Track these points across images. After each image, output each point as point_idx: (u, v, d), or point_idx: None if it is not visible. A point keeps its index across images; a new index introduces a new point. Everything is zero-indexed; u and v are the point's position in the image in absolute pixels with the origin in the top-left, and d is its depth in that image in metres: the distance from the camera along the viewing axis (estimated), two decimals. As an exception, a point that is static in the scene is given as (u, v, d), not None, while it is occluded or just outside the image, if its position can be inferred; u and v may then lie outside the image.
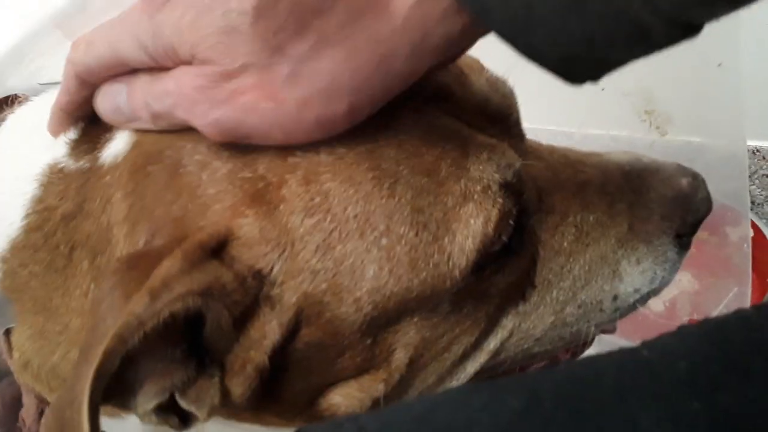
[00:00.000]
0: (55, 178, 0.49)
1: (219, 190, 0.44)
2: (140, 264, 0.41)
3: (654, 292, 0.56)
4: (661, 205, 0.54)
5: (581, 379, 0.37)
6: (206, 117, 0.42)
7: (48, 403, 0.53)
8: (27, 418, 0.53)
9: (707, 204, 0.55)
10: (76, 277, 0.48)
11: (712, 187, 0.55)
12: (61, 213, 0.48)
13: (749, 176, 1.00)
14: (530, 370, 0.38)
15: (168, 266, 0.40)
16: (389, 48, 0.40)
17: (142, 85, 0.44)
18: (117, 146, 0.47)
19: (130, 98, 0.45)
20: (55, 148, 0.49)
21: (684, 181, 0.55)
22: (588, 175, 0.54)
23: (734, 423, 0.34)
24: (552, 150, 0.55)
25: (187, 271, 0.40)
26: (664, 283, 0.55)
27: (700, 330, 0.38)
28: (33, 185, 0.49)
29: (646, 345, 0.38)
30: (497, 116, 0.52)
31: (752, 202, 1.15)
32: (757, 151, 1.16)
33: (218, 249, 0.42)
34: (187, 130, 0.44)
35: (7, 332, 0.51)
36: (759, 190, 1.18)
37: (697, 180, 0.55)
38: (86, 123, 0.49)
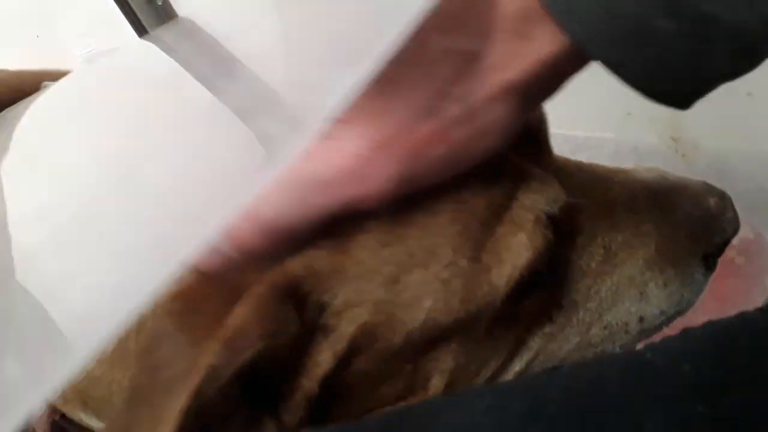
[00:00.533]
0: None
1: None
2: (205, 308, 0.41)
3: (679, 314, 0.55)
4: (687, 225, 0.54)
5: (585, 382, 0.37)
6: (384, 181, 0.39)
7: (60, 414, 0.52)
8: (38, 428, 0.53)
9: (734, 224, 0.54)
10: None
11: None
12: None
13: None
14: (534, 373, 0.37)
15: (244, 314, 0.39)
16: (539, 82, 0.41)
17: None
18: None
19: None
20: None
21: (711, 201, 0.54)
22: (615, 193, 0.54)
23: (738, 427, 0.33)
24: (580, 166, 0.55)
25: (263, 317, 0.40)
26: (690, 305, 0.55)
27: (705, 333, 0.37)
28: None
29: (650, 348, 0.37)
30: (530, 131, 0.52)
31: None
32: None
33: (292, 289, 0.42)
34: None
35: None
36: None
37: (724, 200, 0.55)
38: None
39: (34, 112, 0.52)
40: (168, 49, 0.44)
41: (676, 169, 0.59)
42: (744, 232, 0.55)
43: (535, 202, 0.46)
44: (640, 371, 0.36)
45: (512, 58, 0.39)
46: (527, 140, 0.51)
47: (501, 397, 0.37)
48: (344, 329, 0.43)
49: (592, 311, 0.52)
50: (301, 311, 0.42)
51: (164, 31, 0.51)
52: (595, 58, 0.38)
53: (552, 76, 0.41)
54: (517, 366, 0.51)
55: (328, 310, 0.43)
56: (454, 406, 0.38)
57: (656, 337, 0.40)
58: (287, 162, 0.32)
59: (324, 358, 0.43)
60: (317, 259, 0.42)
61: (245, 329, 0.39)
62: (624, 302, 0.53)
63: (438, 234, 0.43)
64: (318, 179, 0.39)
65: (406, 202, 0.43)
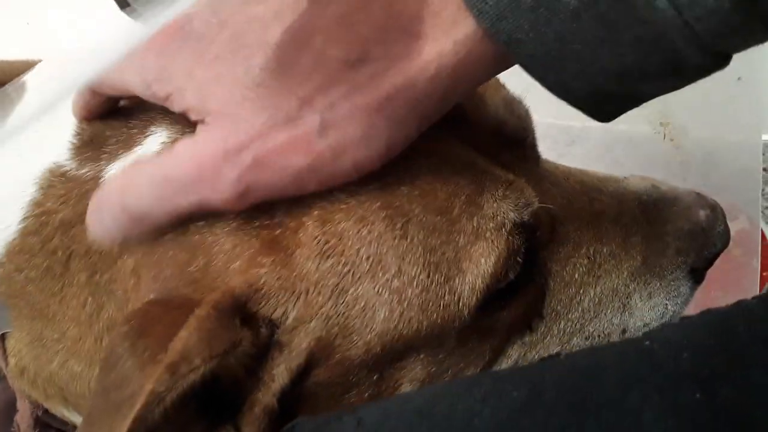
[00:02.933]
0: (56, 182, 0.48)
1: (236, 243, 0.43)
2: (153, 331, 0.40)
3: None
4: (677, 238, 0.53)
5: (583, 370, 0.36)
6: (228, 188, 0.40)
7: (43, 409, 0.52)
8: (21, 423, 0.53)
9: (725, 238, 0.54)
10: (74, 286, 0.47)
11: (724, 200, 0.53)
12: (60, 218, 0.47)
13: (762, 192, 0.99)
14: (531, 362, 0.37)
15: (185, 338, 0.39)
16: (423, 93, 0.40)
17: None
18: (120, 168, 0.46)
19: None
20: (58, 150, 0.49)
21: (702, 214, 0.53)
22: (604, 204, 0.53)
23: (736, 415, 0.33)
24: (568, 174, 0.54)
25: (205, 340, 0.39)
26: (675, 317, 0.54)
27: (703, 321, 0.37)
28: (32, 188, 0.48)
29: (648, 336, 0.37)
30: (513, 140, 0.52)
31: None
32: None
33: (236, 308, 0.41)
34: None
35: (2, 337, 0.50)
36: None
37: (715, 212, 0.54)
38: (95, 126, 0.49)
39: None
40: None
41: (665, 155, 0.58)
42: (731, 218, 0.55)
43: (497, 210, 0.45)
44: (638, 359, 0.36)
45: (397, 62, 0.39)
46: (508, 145, 0.51)
47: (498, 385, 0.37)
48: (299, 344, 0.43)
49: (574, 322, 0.51)
50: (250, 328, 0.41)
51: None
52: (497, 38, 0.38)
53: (452, 75, 0.40)
54: (496, 374, 0.50)
55: (281, 328, 0.42)
56: (451, 394, 0.37)
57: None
58: None
59: (279, 373, 0.43)
60: (260, 275, 0.42)
61: (187, 353, 0.38)
62: (606, 313, 0.52)
63: (377, 243, 0.43)
64: (175, 178, 0.40)
65: (329, 206, 0.42)
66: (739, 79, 0.93)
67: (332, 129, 0.39)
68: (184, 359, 0.38)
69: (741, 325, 0.35)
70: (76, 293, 0.47)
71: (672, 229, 0.53)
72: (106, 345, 0.45)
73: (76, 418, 0.52)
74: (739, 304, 0.37)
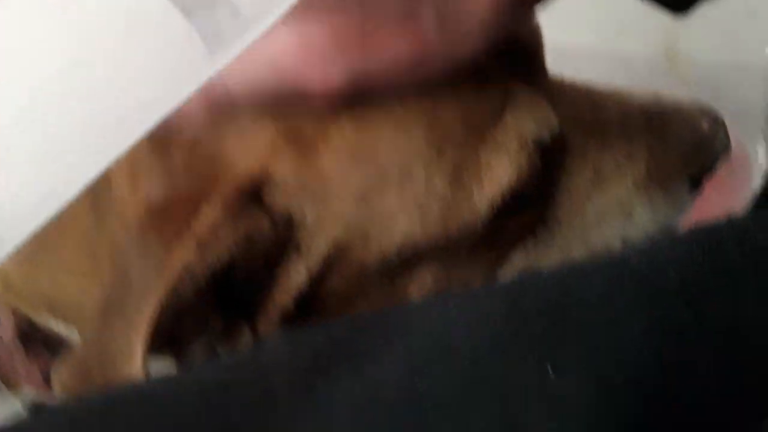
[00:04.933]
0: None
1: (257, 123, 0.42)
2: (174, 212, 0.40)
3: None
4: (679, 147, 0.53)
5: (565, 287, 0.35)
6: (332, 67, 0.37)
7: (26, 319, 0.52)
8: (4, 335, 0.53)
9: (726, 147, 0.54)
10: None
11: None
12: None
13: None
14: (512, 277, 0.36)
15: (211, 214, 0.39)
16: None
17: None
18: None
19: None
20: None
21: (705, 124, 0.53)
22: (609, 114, 0.53)
23: (724, 335, 0.33)
24: (574, 85, 0.53)
25: (230, 218, 0.39)
26: (673, 227, 0.54)
27: (691, 237, 0.36)
28: None
29: (634, 252, 0.36)
30: (523, 47, 0.51)
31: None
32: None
33: (255, 193, 0.41)
34: None
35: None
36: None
37: (717, 123, 0.54)
38: None
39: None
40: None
41: (668, 81, 0.57)
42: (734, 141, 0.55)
43: (522, 126, 0.45)
44: (622, 276, 0.35)
45: None
46: (519, 57, 0.50)
47: (477, 300, 0.36)
48: (317, 247, 0.43)
49: (576, 230, 0.52)
50: (270, 217, 0.41)
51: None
52: None
53: None
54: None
55: (300, 227, 0.42)
56: (428, 308, 0.37)
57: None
58: (232, 57, 0.31)
59: (298, 274, 0.43)
60: (278, 164, 0.41)
61: (215, 229, 0.38)
62: (609, 223, 0.52)
63: (412, 153, 0.42)
64: (268, 56, 0.37)
65: (372, 110, 0.41)
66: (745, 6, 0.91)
67: (445, 20, 0.38)
68: (212, 234, 0.38)
69: (730, 242, 0.35)
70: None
71: (674, 139, 0.53)
72: (116, 236, 0.45)
73: (63, 329, 0.52)
74: (729, 220, 0.36)
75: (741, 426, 0.33)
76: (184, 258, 0.38)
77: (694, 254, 0.35)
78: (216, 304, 0.42)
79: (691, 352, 0.33)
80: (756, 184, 0.81)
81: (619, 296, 0.34)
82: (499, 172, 0.44)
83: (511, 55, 0.49)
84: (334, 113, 0.41)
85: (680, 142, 0.53)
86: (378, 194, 0.42)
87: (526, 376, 0.32)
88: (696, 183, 0.54)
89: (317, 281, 0.44)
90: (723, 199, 0.74)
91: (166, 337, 0.40)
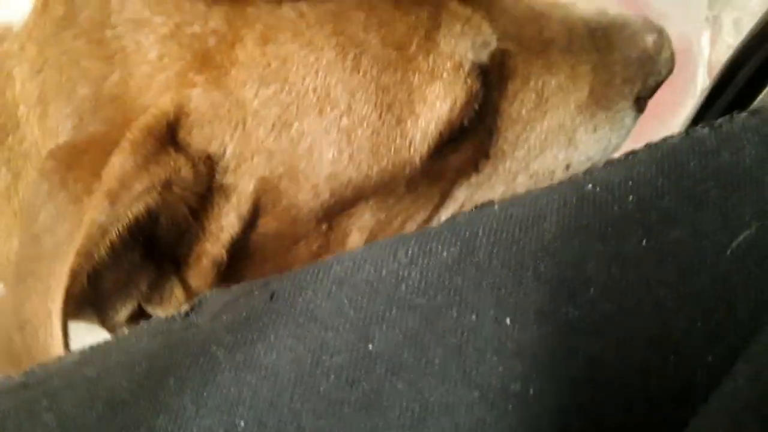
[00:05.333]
0: None
1: (162, 53, 0.38)
2: (82, 161, 0.37)
3: (605, 158, 0.53)
4: (624, 66, 0.51)
5: (519, 220, 0.33)
6: None
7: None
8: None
9: (670, 65, 0.52)
10: None
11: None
12: None
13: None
14: (463, 214, 0.34)
15: (121, 162, 0.36)
16: None
17: None
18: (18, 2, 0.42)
19: None
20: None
21: (649, 40, 0.52)
22: (553, 31, 0.50)
23: (684, 259, 0.31)
24: (517, 1, 0.50)
25: (143, 164, 0.36)
26: (617, 149, 0.53)
27: (651, 157, 0.34)
28: None
29: (591, 177, 0.34)
30: None
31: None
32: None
33: (169, 132, 0.38)
34: None
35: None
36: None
37: (662, 37, 0.52)
38: None
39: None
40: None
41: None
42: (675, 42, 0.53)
43: (455, 47, 0.42)
44: (579, 205, 0.33)
45: None
46: None
47: (427, 245, 0.34)
48: (244, 187, 0.40)
49: (519, 160, 0.50)
50: (187, 158, 0.38)
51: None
52: None
53: None
54: (443, 217, 0.49)
55: (220, 165, 0.39)
56: (376, 256, 0.34)
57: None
58: None
59: (228, 221, 0.40)
60: (191, 96, 0.38)
61: (126, 179, 0.36)
62: (552, 149, 0.50)
63: (325, 73, 0.39)
64: None
65: (273, 20, 0.38)
66: None
67: None
68: (123, 186, 0.36)
69: (692, 160, 0.33)
70: None
71: (620, 57, 0.51)
72: (26, 191, 0.42)
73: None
74: (690, 136, 0.34)
75: (702, 353, 0.32)
76: (93, 214, 0.35)
77: (654, 176, 0.33)
78: (141, 259, 0.39)
79: (649, 280, 0.31)
80: (701, 77, 0.79)
81: (576, 229, 0.32)
82: (433, 100, 0.41)
83: None
84: None
85: (624, 60, 0.51)
86: (297, 120, 0.39)
87: (481, 324, 0.31)
88: (640, 104, 0.52)
89: (250, 227, 0.41)
90: (668, 95, 0.72)
91: (88, 299, 0.37)
